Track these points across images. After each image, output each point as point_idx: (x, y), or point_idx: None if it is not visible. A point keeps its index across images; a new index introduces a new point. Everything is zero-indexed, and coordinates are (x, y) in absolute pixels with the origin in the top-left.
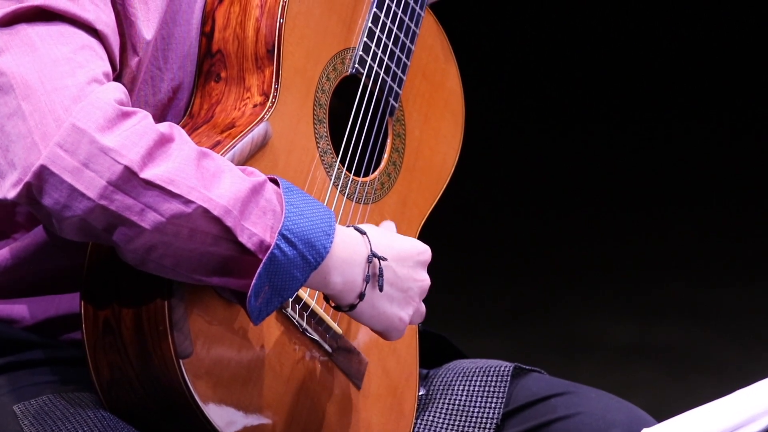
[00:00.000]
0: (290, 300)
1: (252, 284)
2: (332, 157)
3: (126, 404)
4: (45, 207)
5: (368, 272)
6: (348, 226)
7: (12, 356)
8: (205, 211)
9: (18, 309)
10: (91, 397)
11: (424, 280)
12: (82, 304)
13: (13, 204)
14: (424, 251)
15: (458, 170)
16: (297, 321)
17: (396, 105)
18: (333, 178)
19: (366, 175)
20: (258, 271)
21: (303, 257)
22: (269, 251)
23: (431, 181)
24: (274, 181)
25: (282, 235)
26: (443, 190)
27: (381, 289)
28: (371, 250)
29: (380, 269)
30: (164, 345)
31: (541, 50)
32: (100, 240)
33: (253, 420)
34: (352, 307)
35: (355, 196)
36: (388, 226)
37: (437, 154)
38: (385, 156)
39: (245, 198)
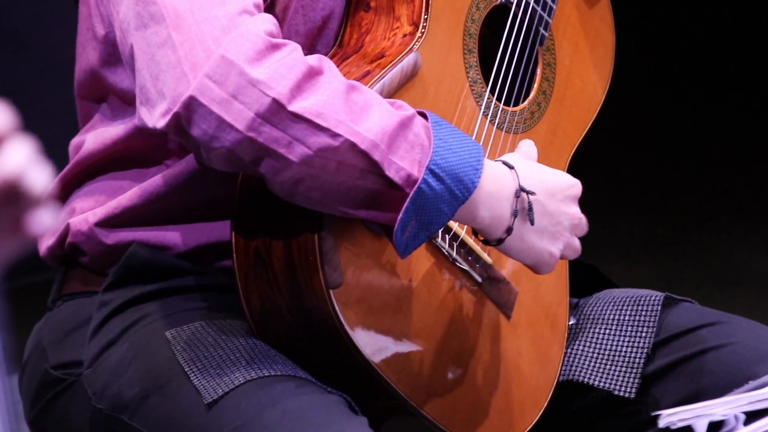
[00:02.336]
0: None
1: (399, 218)
2: (482, 87)
3: (275, 333)
4: (193, 137)
5: (516, 207)
6: (496, 160)
7: (164, 282)
8: (353, 145)
9: (171, 236)
10: (241, 325)
11: (575, 214)
12: (233, 233)
13: (164, 132)
14: (574, 185)
15: (608, 98)
16: (446, 251)
17: (546, 34)
18: (482, 107)
19: (515, 104)
20: (405, 205)
21: (450, 192)
22: (416, 185)
23: (581, 111)
24: (423, 115)
25: (429, 170)
26: (593, 119)
27: (532, 223)
28: (519, 185)
29: (529, 203)
30: (314, 275)
31: None
32: (247, 171)
33: (402, 348)
34: (501, 241)
35: (505, 126)
36: (529, 151)
37: (587, 84)
38: (535, 85)
39: (393, 132)
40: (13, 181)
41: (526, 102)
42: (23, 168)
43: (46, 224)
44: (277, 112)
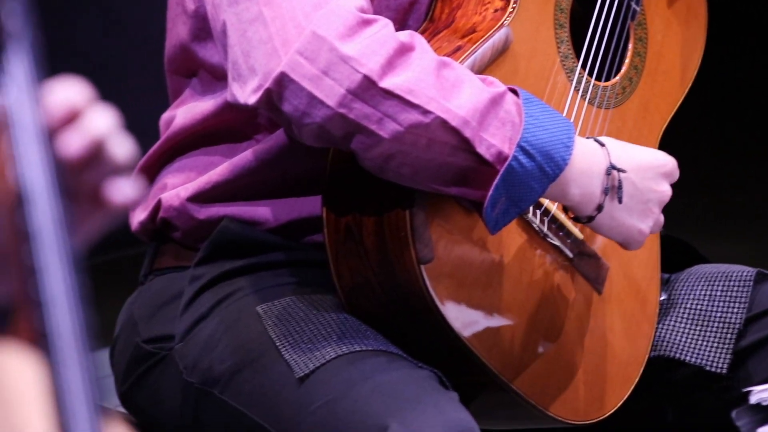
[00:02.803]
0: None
1: (489, 195)
2: (573, 62)
3: (366, 308)
4: (284, 113)
5: (607, 184)
6: (587, 138)
7: (255, 258)
8: (444, 122)
9: (262, 211)
10: (332, 300)
11: (665, 191)
12: (324, 209)
13: (255, 108)
14: (665, 163)
15: (700, 73)
16: (537, 226)
17: (637, 9)
18: (574, 83)
19: (607, 79)
20: (495, 182)
21: (541, 169)
22: (507, 162)
23: (673, 86)
24: (514, 92)
25: (520, 147)
26: (685, 95)
27: (620, 201)
28: (610, 162)
29: (619, 181)
30: (405, 251)
31: None
32: (338, 147)
33: (493, 323)
34: (591, 218)
35: (596, 101)
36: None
37: (679, 59)
38: (627, 60)
39: (484, 109)
40: (95, 146)
41: (617, 77)
42: (105, 134)
43: (128, 195)
44: (368, 89)
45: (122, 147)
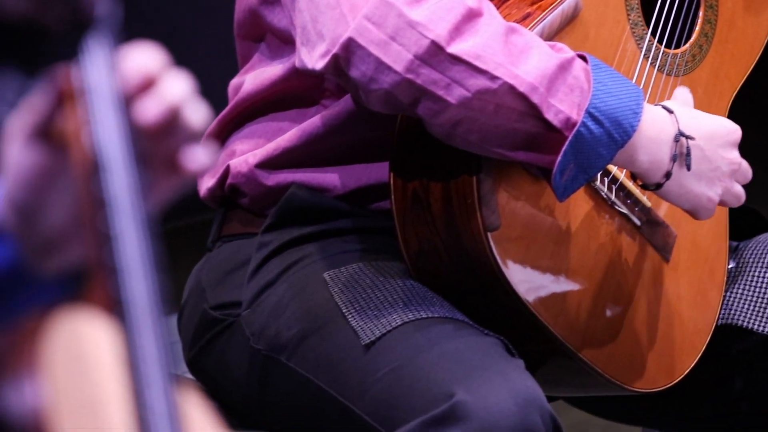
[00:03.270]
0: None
1: (557, 161)
2: (643, 30)
3: (432, 274)
4: (352, 79)
5: (675, 151)
6: (656, 105)
7: (323, 224)
8: (511, 88)
9: (330, 177)
10: (398, 267)
11: (734, 159)
12: (391, 175)
13: (322, 73)
14: (733, 131)
15: None
16: (605, 194)
17: None
18: (644, 50)
19: (677, 47)
20: (563, 148)
21: (609, 135)
22: (575, 129)
23: (743, 54)
24: (583, 58)
25: (589, 113)
26: (755, 63)
27: (688, 168)
28: (679, 129)
29: (687, 148)
30: (472, 217)
31: None
32: (405, 113)
33: (559, 290)
34: (659, 186)
35: (666, 69)
36: (685, 99)
37: (750, 26)
38: (697, 27)
39: (552, 75)
40: (171, 112)
41: (687, 44)
42: (181, 101)
43: (202, 162)
44: (435, 54)
45: (197, 113)
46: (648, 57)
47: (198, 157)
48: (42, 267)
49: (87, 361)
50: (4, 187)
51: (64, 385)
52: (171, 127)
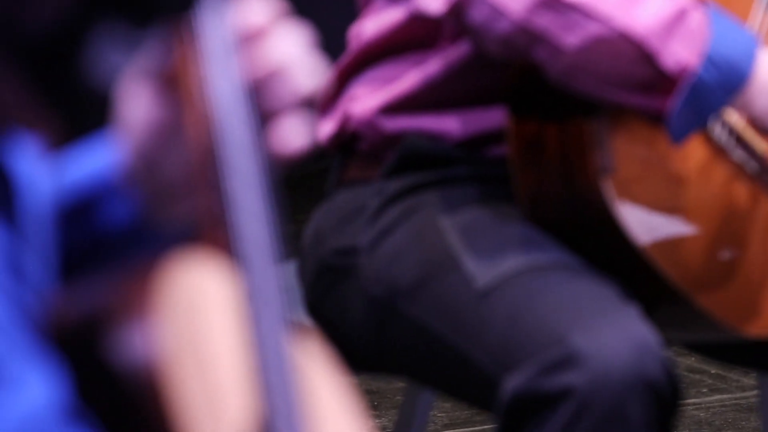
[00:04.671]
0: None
1: (674, 106)
2: None
3: (548, 219)
4: (469, 24)
5: None
6: None
7: (440, 171)
8: (627, 34)
9: (448, 123)
10: (515, 212)
11: None
12: (508, 119)
13: (441, 18)
14: None
15: None
16: (722, 140)
17: None
18: None
19: None
20: (680, 93)
21: (725, 81)
22: (692, 74)
23: None
24: (699, 5)
25: (705, 59)
26: None
27: None
28: None
29: None
30: (587, 162)
31: None
32: (522, 58)
33: (674, 234)
34: None
35: None
36: None
37: None
38: None
39: (669, 22)
40: (279, 73)
41: None
42: (290, 60)
43: (300, 134)
44: (551, 1)
45: (306, 76)
46: (761, 3)
47: (291, 131)
48: (161, 217)
49: (199, 311)
50: (127, 140)
51: (177, 337)
52: (280, 84)
